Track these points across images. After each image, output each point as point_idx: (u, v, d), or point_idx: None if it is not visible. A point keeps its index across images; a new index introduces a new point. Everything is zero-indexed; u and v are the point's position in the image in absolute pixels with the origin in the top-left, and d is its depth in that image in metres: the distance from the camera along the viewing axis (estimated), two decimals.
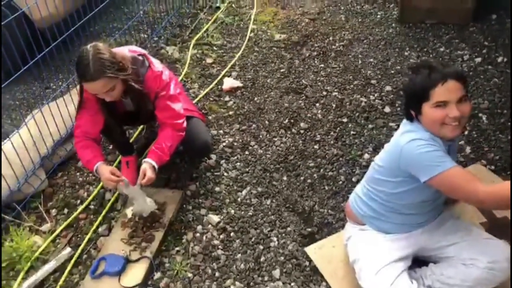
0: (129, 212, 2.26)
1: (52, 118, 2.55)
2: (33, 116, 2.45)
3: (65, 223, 2.31)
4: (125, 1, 4.34)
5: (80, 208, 2.39)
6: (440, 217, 1.83)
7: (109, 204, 2.40)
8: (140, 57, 2.17)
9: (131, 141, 2.74)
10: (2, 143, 2.35)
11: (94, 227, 2.28)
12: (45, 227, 2.31)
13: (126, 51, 2.15)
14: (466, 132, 2.66)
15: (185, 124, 2.27)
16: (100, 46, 1.97)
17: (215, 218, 2.30)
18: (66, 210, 2.41)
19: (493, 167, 2.43)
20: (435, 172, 1.51)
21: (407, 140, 1.59)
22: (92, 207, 2.42)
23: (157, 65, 2.22)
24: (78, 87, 2.15)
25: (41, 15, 2.77)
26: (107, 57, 1.94)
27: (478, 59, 3.22)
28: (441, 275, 1.73)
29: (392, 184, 1.71)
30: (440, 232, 1.80)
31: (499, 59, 3.18)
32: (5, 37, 2.48)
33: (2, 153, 2.28)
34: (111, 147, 2.72)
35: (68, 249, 2.18)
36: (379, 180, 1.77)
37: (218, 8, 4.20)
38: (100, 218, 2.33)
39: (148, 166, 2.12)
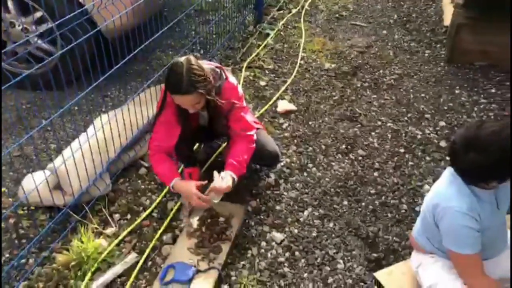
0: (194, 222, 2.27)
1: (116, 125, 2.59)
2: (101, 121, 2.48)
3: (129, 229, 2.32)
4: (177, 23, 4.46)
5: (143, 215, 2.40)
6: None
7: (171, 213, 2.41)
8: (218, 70, 2.24)
9: None
10: (78, 143, 2.37)
11: (158, 235, 2.29)
12: (109, 230, 2.31)
13: (205, 64, 2.21)
14: None
15: (255, 137, 2.32)
16: (193, 60, 2.03)
17: (279, 236, 2.30)
18: (129, 216, 2.42)
19: None
20: (454, 249, 1.66)
21: (453, 210, 1.62)
22: (154, 215, 2.43)
23: (231, 77, 2.30)
24: (159, 97, 2.21)
25: (114, 26, 2.83)
26: (199, 73, 2.01)
27: None
28: None
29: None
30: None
31: None
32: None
33: (80, 152, 2.30)
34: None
35: (134, 254, 2.18)
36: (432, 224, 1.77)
37: (268, 34, 4.32)
38: (163, 226, 2.33)
39: (230, 177, 2.16)
